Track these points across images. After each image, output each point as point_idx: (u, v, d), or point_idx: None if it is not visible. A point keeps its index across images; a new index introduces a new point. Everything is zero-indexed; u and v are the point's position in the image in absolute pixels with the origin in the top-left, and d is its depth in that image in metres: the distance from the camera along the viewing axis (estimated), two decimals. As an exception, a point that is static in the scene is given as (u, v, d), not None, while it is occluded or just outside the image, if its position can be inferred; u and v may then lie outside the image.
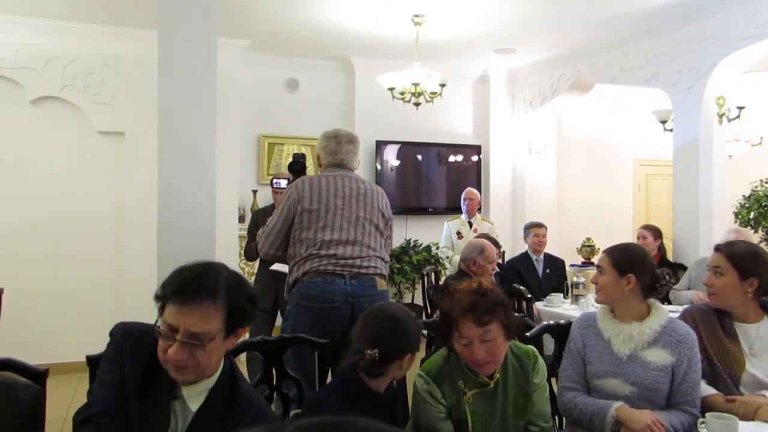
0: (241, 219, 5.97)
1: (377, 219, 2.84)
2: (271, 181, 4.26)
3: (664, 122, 6.15)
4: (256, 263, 4.34)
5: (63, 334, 5.02)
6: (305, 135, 6.34)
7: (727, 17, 4.80)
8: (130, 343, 1.53)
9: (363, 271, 2.68)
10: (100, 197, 5.31)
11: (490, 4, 4.80)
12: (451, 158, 6.98)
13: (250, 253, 4.24)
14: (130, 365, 1.50)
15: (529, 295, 4.02)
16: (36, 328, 4.98)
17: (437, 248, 6.33)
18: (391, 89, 5.05)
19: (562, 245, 6.78)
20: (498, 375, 1.92)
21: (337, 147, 2.91)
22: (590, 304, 4.17)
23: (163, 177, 3.34)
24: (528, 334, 2.37)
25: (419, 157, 6.87)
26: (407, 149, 6.76)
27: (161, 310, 1.50)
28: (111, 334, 1.56)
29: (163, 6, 3.37)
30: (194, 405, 1.50)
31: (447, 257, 5.64)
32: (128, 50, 5.31)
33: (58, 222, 5.17)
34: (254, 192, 6.13)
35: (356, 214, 2.75)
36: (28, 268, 5.01)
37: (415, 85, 4.91)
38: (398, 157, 6.74)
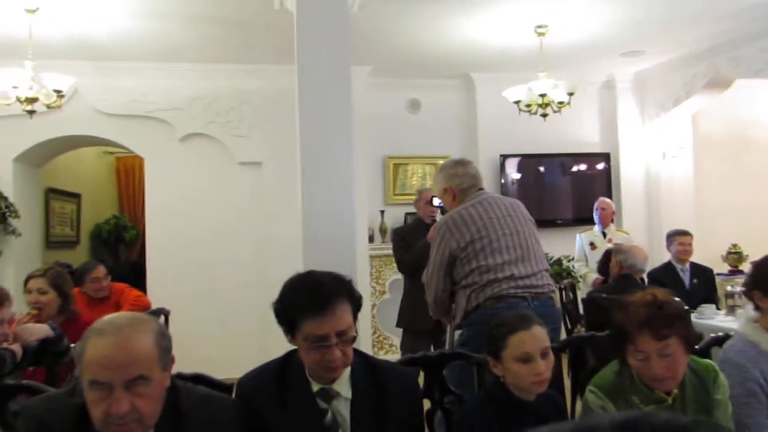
0: (371, 239, 6.12)
1: (532, 229, 2.82)
2: (431, 199, 4.11)
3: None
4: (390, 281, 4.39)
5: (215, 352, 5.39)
6: (429, 154, 6.45)
7: None
8: (247, 397, 1.70)
9: (541, 290, 2.67)
10: (240, 222, 5.69)
11: (612, 7, 4.65)
12: (577, 168, 6.77)
13: (405, 264, 4.14)
14: (260, 411, 1.66)
15: (686, 307, 3.79)
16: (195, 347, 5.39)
17: (568, 261, 6.14)
18: (517, 102, 5.00)
19: (703, 253, 6.32)
20: (676, 391, 1.82)
21: (465, 169, 2.91)
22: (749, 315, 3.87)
23: (306, 201, 3.51)
24: (696, 346, 2.24)
25: (541, 168, 6.72)
26: (528, 161, 6.64)
27: (292, 330, 1.65)
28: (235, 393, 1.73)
29: (302, 41, 3.58)
30: (347, 392, 1.67)
31: (581, 276, 5.43)
32: (261, 86, 5.69)
33: (203, 246, 5.61)
34: (382, 212, 6.27)
35: (515, 229, 2.74)
36: (181, 290, 5.43)
37: (542, 96, 4.83)
38: (519, 170, 6.63)
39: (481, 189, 2.92)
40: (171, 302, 4.84)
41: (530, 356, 1.78)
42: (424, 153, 6.47)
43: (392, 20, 4.83)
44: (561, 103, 4.94)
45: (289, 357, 1.74)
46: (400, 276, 5.98)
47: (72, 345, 2.55)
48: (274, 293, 5.32)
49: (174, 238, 5.58)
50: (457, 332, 2.88)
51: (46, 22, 4.32)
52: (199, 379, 1.83)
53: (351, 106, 3.61)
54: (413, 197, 6.36)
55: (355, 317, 1.68)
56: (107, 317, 1.44)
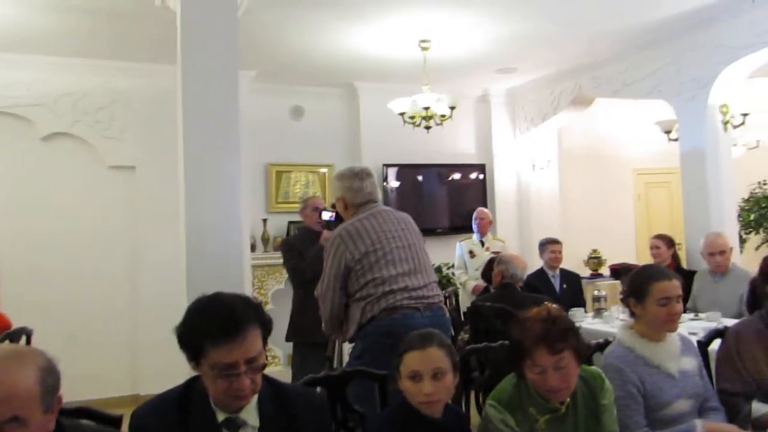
0: (253, 248, 5.95)
1: (422, 242, 2.88)
2: (319, 211, 3.87)
3: (668, 132, 6.25)
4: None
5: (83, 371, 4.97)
6: (312, 162, 6.40)
7: (728, 26, 4.90)
8: (144, 430, 1.57)
9: (432, 301, 2.73)
10: (114, 230, 5.31)
11: (492, 23, 4.87)
12: (453, 177, 7.02)
13: (301, 271, 3.94)
14: None
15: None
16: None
17: (447, 268, 6.34)
18: (402, 114, 5.09)
19: (567, 259, 6.82)
20: (568, 399, 1.92)
21: (362, 183, 2.90)
22: (614, 317, 4.21)
23: (189, 209, 3.33)
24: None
25: (420, 177, 6.90)
26: (408, 171, 6.77)
27: (197, 357, 1.55)
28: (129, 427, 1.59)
29: (186, 41, 3.42)
30: (254, 421, 1.59)
31: (461, 283, 5.63)
32: (135, 85, 5.35)
33: (72, 256, 5.15)
34: (264, 221, 6.11)
35: (407, 242, 2.78)
36: (40, 309, 4.94)
37: (426, 109, 4.95)
38: (398, 179, 6.74)
39: (376, 202, 2.93)
40: (27, 320, 4.41)
41: (419, 375, 1.80)
42: (307, 161, 6.41)
43: (278, 25, 4.73)
44: (443, 116, 5.10)
45: (191, 384, 1.62)
46: (283, 286, 5.89)
47: None
48: (149, 305, 5.05)
49: (31, 247, 5.05)
50: (348, 345, 2.87)
51: None
52: (83, 412, 1.66)
53: (238, 111, 3.49)
54: (297, 205, 6.30)
55: (265, 343, 1.60)
56: None
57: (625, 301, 2.33)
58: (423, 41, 5.03)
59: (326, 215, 3.45)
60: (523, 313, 1.96)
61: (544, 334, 1.83)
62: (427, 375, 1.79)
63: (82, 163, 5.27)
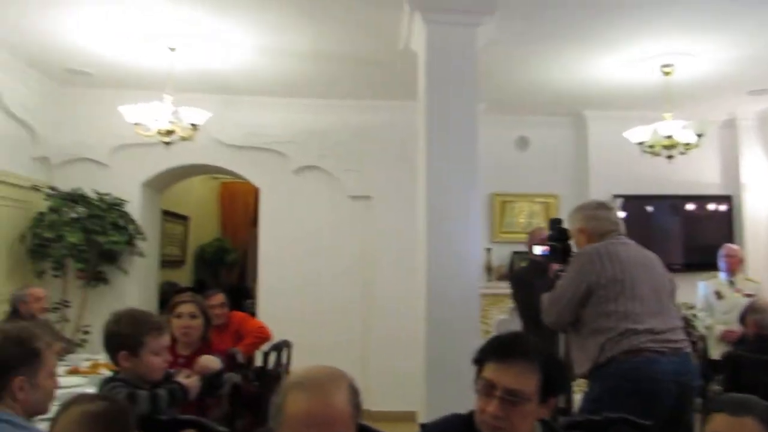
0: (475, 276, 6.02)
1: (669, 287, 2.68)
2: (530, 245, 4.06)
3: None
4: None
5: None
6: (536, 192, 6.33)
7: None
8: None
9: (679, 346, 2.53)
10: (352, 254, 5.81)
11: (742, 42, 4.41)
12: (689, 209, 6.41)
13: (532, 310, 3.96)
14: None
15: None
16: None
17: (687, 309, 5.77)
18: (641, 143, 4.81)
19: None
20: None
21: (609, 213, 2.80)
22: None
23: (431, 238, 3.51)
24: None
25: (649, 209, 6.40)
26: (635, 202, 6.29)
27: (479, 371, 1.63)
28: None
29: (431, 81, 3.64)
30: None
31: (706, 327, 5.07)
32: (374, 121, 5.82)
33: (315, 279, 5.73)
34: (488, 250, 6.17)
35: (654, 283, 2.61)
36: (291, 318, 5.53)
37: (668, 137, 4.62)
38: (624, 209, 6.28)
39: (621, 234, 2.80)
40: (280, 328, 4.94)
41: None
42: (532, 191, 6.35)
43: (514, 58, 4.79)
44: (688, 144, 4.71)
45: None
46: (507, 316, 5.86)
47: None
48: (379, 319, 5.30)
49: (286, 264, 5.72)
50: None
51: (182, 57, 4.57)
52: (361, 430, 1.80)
53: (476, 144, 3.63)
54: (520, 235, 6.25)
55: (542, 396, 1.62)
56: (303, 371, 1.42)
57: None
58: (665, 65, 4.72)
59: (538, 250, 3.34)
60: None
61: None
62: None
63: (325, 192, 5.84)
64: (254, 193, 6.50)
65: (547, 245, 3.17)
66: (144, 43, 4.35)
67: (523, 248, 6.07)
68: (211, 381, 2.56)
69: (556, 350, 3.21)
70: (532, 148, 6.44)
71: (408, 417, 4.31)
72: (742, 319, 3.92)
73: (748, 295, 4.68)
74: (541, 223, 6.26)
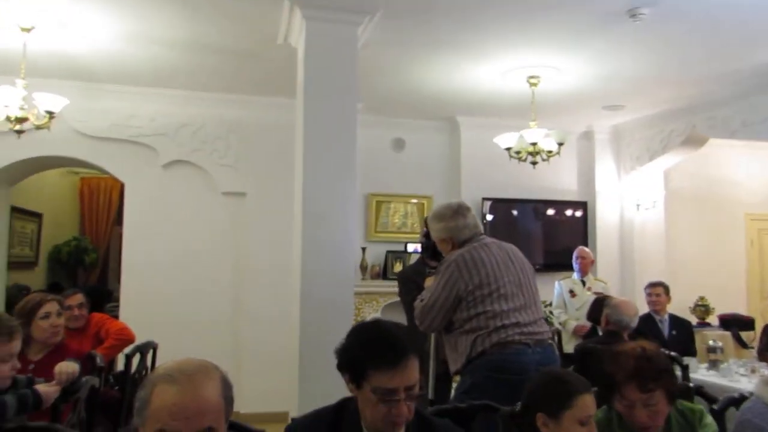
0: (350, 276, 6.06)
1: (529, 273, 2.83)
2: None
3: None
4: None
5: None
6: (411, 192, 6.49)
7: None
8: None
9: (541, 337, 2.68)
10: (224, 254, 5.61)
11: (601, 62, 4.81)
12: (549, 214, 6.87)
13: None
14: None
15: (686, 363, 3.86)
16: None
17: (545, 306, 6.16)
18: (508, 149, 5.08)
19: (672, 304, 6.49)
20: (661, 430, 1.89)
21: (465, 220, 2.85)
22: (733, 371, 3.97)
23: (306, 235, 3.48)
24: (715, 407, 2.27)
25: (514, 212, 6.79)
26: (502, 205, 6.65)
27: (359, 380, 1.59)
28: None
29: (309, 77, 3.60)
30: None
31: (560, 323, 5.45)
32: (250, 116, 5.65)
33: (182, 274, 5.47)
34: (363, 249, 6.22)
35: (517, 276, 2.74)
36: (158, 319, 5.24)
37: (533, 144, 4.92)
38: (491, 212, 6.61)
39: (481, 234, 2.91)
40: (146, 332, 4.67)
41: (589, 422, 1.78)
42: (407, 191, 6.49)
43: (391, 61, 4.86)
44: (550, 152, 5.05)
45: (345, 404, 1.67)
46: (379, 314, 5.94)
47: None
48: (251, 320, 5.21)
49: (152, 265, 5.39)
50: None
51: (37, 38, 4.18)
52: (232, 427, 1.73)
53: (355, 141, 3.65)
54: (395, 235, 6.39)
55: (420, 372, 1.64)
56: (172, 363, 1.33)
57: (763, 355, 2.21)
58: (532, 77, 5.02)
59: (412, 247, 3.49)
60: (617, 347, 1.95)
61: (636, 371, 1.82)
62: (592, 420, 1.80)
63: (198, 188, 5.59)
64: (119, 188, 6.10)
65: (420, 242, 3.29)
66: (-8, 19, 3.94)
67: (396, 248, 6.25)
68: (66, 386, 2.37)
69: (428, 344, 3.31)
70: (407, 150, 6.58)
71: (281, 418, 4.23)
72: (595, 312, 4.22)
73: (598, 293, 5.09)
74: (415, 223, 6.45)
